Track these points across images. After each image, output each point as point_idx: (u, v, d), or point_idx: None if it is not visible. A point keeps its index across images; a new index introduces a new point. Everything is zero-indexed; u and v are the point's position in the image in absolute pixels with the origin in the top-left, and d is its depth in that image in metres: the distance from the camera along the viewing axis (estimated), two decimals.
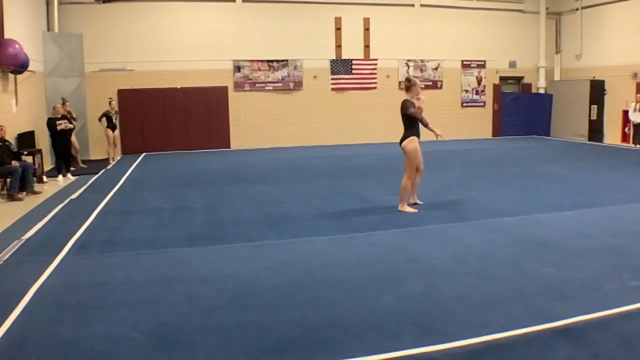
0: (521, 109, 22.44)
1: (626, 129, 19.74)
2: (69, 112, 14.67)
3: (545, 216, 8.49)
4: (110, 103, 16.48)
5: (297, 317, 4.69)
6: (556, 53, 23.23)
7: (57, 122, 13.18)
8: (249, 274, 5.85)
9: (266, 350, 4.08)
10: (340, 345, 4.17)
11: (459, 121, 21.60)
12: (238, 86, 18.82)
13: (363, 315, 4.73)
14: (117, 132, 16.72)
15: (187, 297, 5.19)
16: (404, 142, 8.87)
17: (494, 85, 22.22)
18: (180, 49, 18.08)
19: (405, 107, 8.86)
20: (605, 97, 20.91)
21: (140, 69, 17.90)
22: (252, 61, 18.86)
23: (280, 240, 7.22)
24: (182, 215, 8.94)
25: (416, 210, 8.84)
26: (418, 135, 9.02)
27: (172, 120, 18.30)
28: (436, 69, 21.16)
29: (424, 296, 5.18)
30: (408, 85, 9.15)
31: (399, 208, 8.86)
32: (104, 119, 16.17)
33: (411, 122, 8.91)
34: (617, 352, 4.06)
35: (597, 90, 20.85)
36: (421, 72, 20.91)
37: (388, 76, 20.43)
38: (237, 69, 18.76)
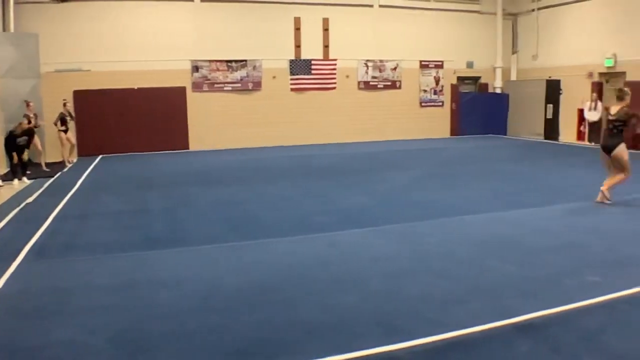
0: (478, 109, 22.73)
1: (582, 128, 20.17)
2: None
3: (505, 214, 8.63)
4: (65, 105, 16.17)
5: (261, 319, 4.67)
6: (513, 53, 23.61)
7: (17, 140, 12.94)
8: (210, 276, 5.81)
9: (229, 354, 4.06)
10: (304, 346, 4.18)
11: (417, 121, 21.81)
12: (196, 86, 18.64)
13: (327, 315, 4.74)
14: (70, 134, 16.39)
15: (149, 301, 5.13)
16: (619, 149, 9.13)
17: (452, 85, 22.47)
18: (137, 48, 17.82)
19: (629, 116, 9.21)
20: (561, 96, 21.32)
21: (97, 69, 17.58)
22: (210, 61, 18.70)
23: (242, 242, 7.18)
24: (141, 218, 8.82)
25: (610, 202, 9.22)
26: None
27: (130, 122, 18.03)
28: (395, 69, 21.30)
29: (387, 295, 5.22)
30: (621, 95, 9.47)
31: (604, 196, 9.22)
32: (59, 121, 15.88)
33: (622, 129, 9.23)
34: (577, 346, 4.17)
35: (553, 90, 21.26)
36: (380, 72, 21.03)
37: (347, 76, 20.49)
38: (196, 69, 18.58)
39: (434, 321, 4.60)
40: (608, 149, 9.26)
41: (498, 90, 23.23)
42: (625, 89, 9.77)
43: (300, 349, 4.14)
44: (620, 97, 9.49)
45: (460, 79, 22.83)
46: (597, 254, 6.54)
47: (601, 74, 19.74)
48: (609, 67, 19.17)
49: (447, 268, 6.03)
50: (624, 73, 18.70)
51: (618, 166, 9.22)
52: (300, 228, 7.91)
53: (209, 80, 18.74)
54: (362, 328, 4.49)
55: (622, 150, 9.11)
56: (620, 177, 9.25)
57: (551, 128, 21.37)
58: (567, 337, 4.32)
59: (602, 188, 9.27)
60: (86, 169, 14.59)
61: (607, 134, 9.33)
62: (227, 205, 9.63)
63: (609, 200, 9.25)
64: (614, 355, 4.06)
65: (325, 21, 20.02)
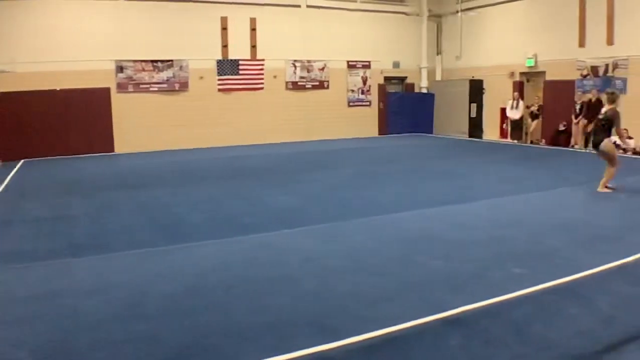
0: (405, 108, 23.08)
1: (504, 126, 20.78)
2: None
3: (432, 210, 8.78)
4: None
5: (190, 324, 4.58)
6: (437, 54, 24.11)
7: None
8: (137, 282, 5.66)
9: None
10: (235, 350, 4.12)
11: (345, 120, 21.96)
12: (121, 87, 18.17)
13: (258, 317, 4.69)
14: None
15: (73, 311, 4.94)
16: (604, 143, 10.14)
17: (379, 85, 22.74)
18: (60, 49, 17.16)
19: (616, 117, 10.18)
20: (484, 95, 21.92)
21: (17, 70, 16.87)
22: (135, 61, 18.26)
23: (170, 246, 7.03)
24: (64, 224, 8.49)
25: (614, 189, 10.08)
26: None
27: (53, 124, 17.36)
28: (322, 69, 21.38)
29: (318, 295, 5.22)
30: (613, 97, 10.45)
31: (599, 189, 10.12)
32: None
33: (609, 127, 10.24)
34: (506, 338, 4.28)
35: (477, 89, 21.85)
36: (308, 72, 21.07)
37: (275, 76, 20.41)
38: (120, 69, 18.11)
39: (365, 319, 4.62)
40: (595, 145, 10.31)
41: (424, 90, 23.67)
42: (616, 91, 11.10)
43: (234, 354, 4.08)
44: (611, 100, 10.46)
45: (387, 79, 23.13)
46: (521, 247, 6.74)
47: (522, 74, 20.42)
48: (529, 67, 19.84)
49: (377, 265, 6.08)
50: (544, 72, 19.41)
51: (607, 159, 10.23)
52: (229, 230, 7.81)
53: (134, 80, 18.30)
54: (295, 329, 4.47)
55: (607, 144, 10.19)
56: (611, 171, 10.18)
57: (475, 126, 21.95)
58: (497, 329, 4.42)
59: (598, 189, 10.13)
60: (7, 175, 13.95)
61: (594, 132, 10.55)
62: (154, 209, 9.40)
63: (613, 188, 10.16)
64: (543, 344, 4.18)
65: (253, 21, 19.88)
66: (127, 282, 5.66)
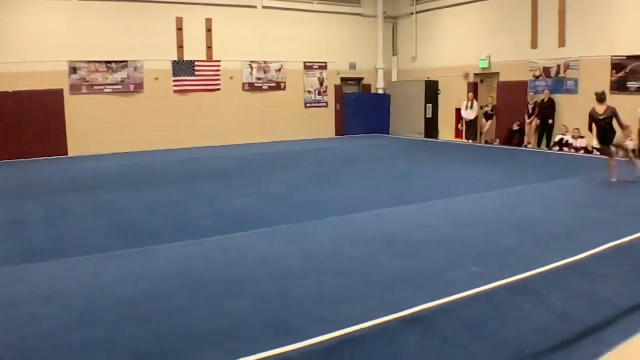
0: (362, 109, 23.20)
1: (459, 126, 21.08)
2: None
3: (391, 211, 8.87)
4: None
5: (150, 330, 4.53)
6: (393, 55, 24.31)
7: None
8: (95, 288, 5.56)
9: None
10: (195, 355, 4.10)
11: (303, 121, 21.96)
12: (75, 89, 17.81)
13: (218, 321, 4.67)
14: None
15: (30, 317, 4.84)
16: (617, 137, 11.15)
17: (336, 86, 22.79)
18: (11, 49, 16.71)
19: (616, 112, 10.97)
20: (440, 96, 22.20)
21: None
22: (89, 62, 17.93)
23: (127, 250, 6.93)
24: (18, 229, 8.28)
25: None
26: None
27: (5, 127, 16.87)
28: (279, 70, 21.35)
29: (279, 297, 5.22)
30: (603, 97, 11.16)
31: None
32: None
33: (611, 125, 11.00)
34: (463, 335, 4.35)
35: (432, 90, 22.10)
36: (265, 73, 21.01)
37: (232, 78, 20.28)
38: (74, 70, 17.75)
39: (325, 320, 4.64)
40: (607, 143, 11.17)
41: (380, 91, 23.83)
42: (604, 90, 11.68)
43: (194, 359, 4.05)
44: (602, 99, 11.16)
45: (344, 80, 23.20)
46: (477, 246, 6.86)
47: (476, 75, 20.73)
48: (483, 68, 20.15)
49: (337, 266, 6.12)
50: (497, 74, 19.74)
51: (622, 152, 11.51)
52: (187, 233, 7.74)
53: (87, 82, 17.95)
54: (256, 332, 4.46)
55: (618, 137, 11.17)
56: (612, 163, 11.20)
57: (431, 127, 22.19)
58: (454, 327, 4.50)
59: (613, 181, 11.05)
60: None
61: (602, 132, 11.14)
62: (110, 213, 9.23)
63: (625, 179, 11.09)
64: (498, 341, 4.27)
65: (209, 22, 19.74)
66: (85, 288, 5.56)
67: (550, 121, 17.75)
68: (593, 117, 11.19)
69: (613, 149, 11.31)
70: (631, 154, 11.56)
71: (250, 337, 4.37)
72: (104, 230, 8.14)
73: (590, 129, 11.59)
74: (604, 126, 11.05)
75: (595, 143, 14.78)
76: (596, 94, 11.29)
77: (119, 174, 13.61)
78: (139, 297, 5.26)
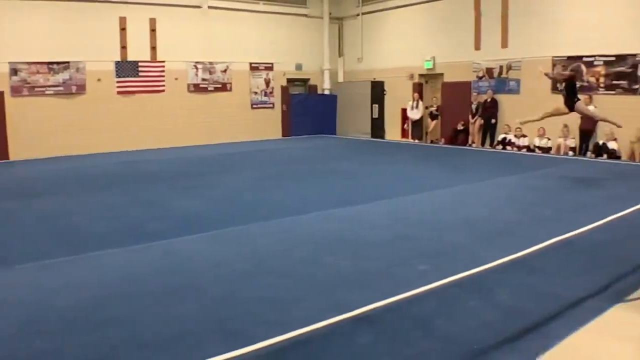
0: (309, 110, 23.23)
1: (405, 126, 21.32)
2: None
3: (337, 211, 8.88)
4: None
5: (95, 338, 4.41)
6: (339, 56, 24.43)
7: None
8: (38, 296, 5.38)
9: None
10: None
11: (249, 122, 21.85)
12: (15, 91, 17.26)
13: (165, 327, 4.59)
14: None
15: None
16: (577, 105, 11.37)
17: (282, 87, 22.75)
18: None
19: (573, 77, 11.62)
20: (385, 96, 22.41)
21: None
22: (30, 63, 17.42)
23: (70, 257, 6.72)
24: None
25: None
26: None
27: None
28: (225, 71, 21.18)
29: (226, 300, 5.16)
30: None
31: None
32: None
33: (574, 90, 11.34)
34: (413, 333, 4.40)
35: (378, 91, 22.31)
36: (210, 74, 20.81)
37: (176, 79, 20.00)
38: (14, 72, 17.22)
39: (275, 322, 4.61)
40: (570, 108, 11.36)
41: (327, 92, 23.91)
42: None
43: None
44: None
45: (290, 81, 23.19)
46: (425, 243, 6.95)
47: (421, 75, 21.03)
48: (428, 69, 20.46)
49: (285, 268, 6.09)
50: (442, 74, 20.06)
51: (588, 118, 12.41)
52: (132, 237, 7.57)
53: (28, 83, 17.41)
54: (204, 336, 4.40)
55: (579, 104, 11.46)
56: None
57: (377, 127, 22.40)
58: (403, 325, 4.54)
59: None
60: None
61: (565, 100, 11.38)
62: (52, 219, 8.94)
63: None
64: (447, 337, 4.32)
65: (152, 21, 19.43)
66: (28, 297, 5.37)
67: (493, 120, 18.13)
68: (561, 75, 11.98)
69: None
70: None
71: (197, 341, 4.30)
72: (47, 236, 7.89)
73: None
74: (565, 96, 11.36)
75: (537, 141, 15.44)
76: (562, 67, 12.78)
77: (62, 178, 13.27)
78: (84, 305, 5.12)
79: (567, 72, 12.65)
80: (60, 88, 17.91)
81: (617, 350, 4.20)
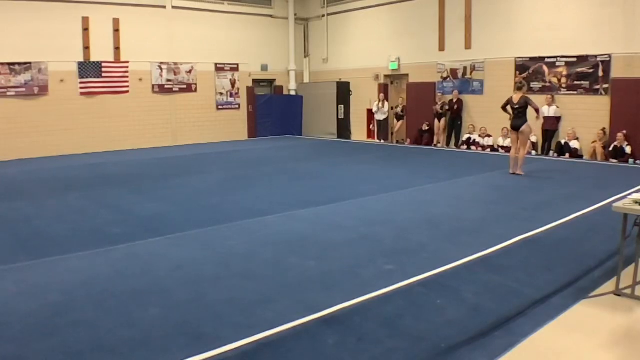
0: (274, 111, 23.21)
1: (371, 126, 21.42)
2: None
3: (303, 212, 8.87)
4: None
5: (58, 343, 4.33)
6: (305, 57, 24.45)
7: None
8: None
9: None
10: None
11: (214, 124, 21.75)
12: None
13: (129, 331, 4.52)
14: None
15: None
16: (525, 126, 12.00)
17: (248, 88, 22.67)
18: None
19: (529, 100, 11.96)
20: (351, 97, 22.47)
21: None
22: None
23: (31, 261, 6.59)
24: None
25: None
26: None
27: None
28: (190, 72, 21.02)
29: (191, 303, 5.11)
30: (520, 86, 12.33)
31: (517, 172, 12.18)
32: None
33: (525, 112, 11.92)
34: (379, 332, 4.41)
35: (344, 91, 22.38)
36: (175, 75, 20.63)
37: (141, 79, 19.80)
38: None
39: (241, 325, 4.58)
40: (517, 128, 12.01)
41: (292, 93, 23.92)
42: (522, 80, 13.54)
43: None
44: (519, 88, 12.25)
45: (256, 82, 23.13)
46: (389, 244, 6.98)
47: (387, 76, 21.14)
48: (393, 70, 20.57)
49: (251, 270, 6.05)
50: (407, 75, 20.21)
51: (523, 140, 12.04)
52: (94, 241, 7.44)
53: None
54: (168, 340, 4.34)
55: (527, 127, 12.02)
56: (522, 153, 12.12)
57: (343, 127, 22.48)
58: (370, 325, 4.55)
59: (510, 172, 12.26)
60: None
61: (515, 118, 12.07)
62: (13, 222, 8.75)
63: (522, 173, 12.12)
64: (414, 336, 4.35)
65: (116, 21, 19.17)
66: None
67: (459, 121, 18.32)
68: (509, 102, 12.08)
69: (514, 138, 12.20)
70: (529, 147, 12.54)
71: (162, 345, 4.25)
72: (7, 241, 7.70)
73: (504, 109, 12.30)
74: (516, 114, 11.99)
75: (501, 141, 15.70)
76: (515, 83, 12.74)
77: (22, 181, 13.00)
78: (46, 310, 5.02)
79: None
80: (22, 89, 17.56)
81: (582, 346, 4.26)
